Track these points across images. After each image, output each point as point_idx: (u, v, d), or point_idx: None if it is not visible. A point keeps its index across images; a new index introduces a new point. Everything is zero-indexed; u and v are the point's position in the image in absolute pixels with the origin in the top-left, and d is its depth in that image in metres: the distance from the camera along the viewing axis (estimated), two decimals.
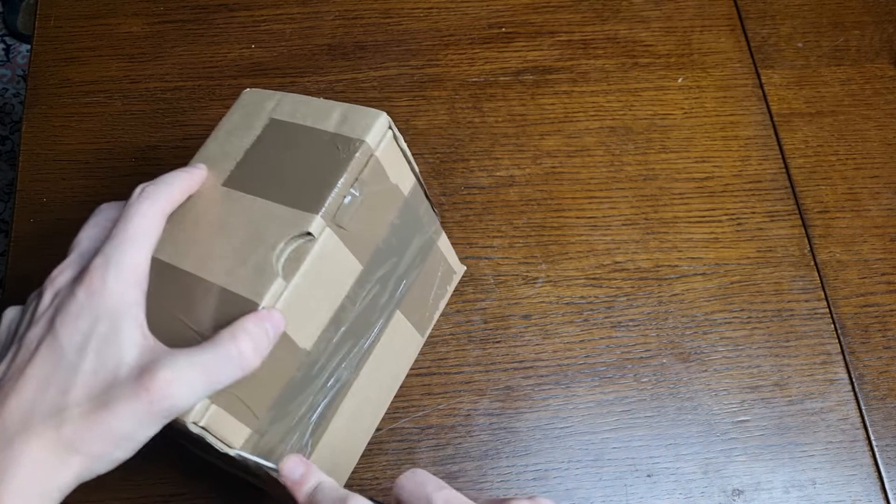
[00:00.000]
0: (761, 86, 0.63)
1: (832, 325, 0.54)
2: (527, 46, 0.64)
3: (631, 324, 0.54)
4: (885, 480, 0.50)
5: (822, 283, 0.56)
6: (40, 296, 0.35)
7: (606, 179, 0.59)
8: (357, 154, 0.37)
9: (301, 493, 0.34)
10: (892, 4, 0.67)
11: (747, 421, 0.51)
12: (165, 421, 0.32)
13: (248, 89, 0.43)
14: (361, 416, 0.46)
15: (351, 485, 0.48)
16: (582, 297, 0.54)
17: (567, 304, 0.54)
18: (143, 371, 0.31)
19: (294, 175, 0.38)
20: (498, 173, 0.58)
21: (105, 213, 0.38)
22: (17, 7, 1.46)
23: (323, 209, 0.36)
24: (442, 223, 0.56)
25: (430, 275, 0.48)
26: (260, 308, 0.34)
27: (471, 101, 0.61)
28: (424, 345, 0.52)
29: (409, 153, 0.41)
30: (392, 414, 0.50)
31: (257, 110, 0.41)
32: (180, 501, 0.47)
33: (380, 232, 0.41)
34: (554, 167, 0.59)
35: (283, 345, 0.36)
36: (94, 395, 0.31)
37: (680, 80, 0.63)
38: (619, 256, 0.56)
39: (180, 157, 0.58)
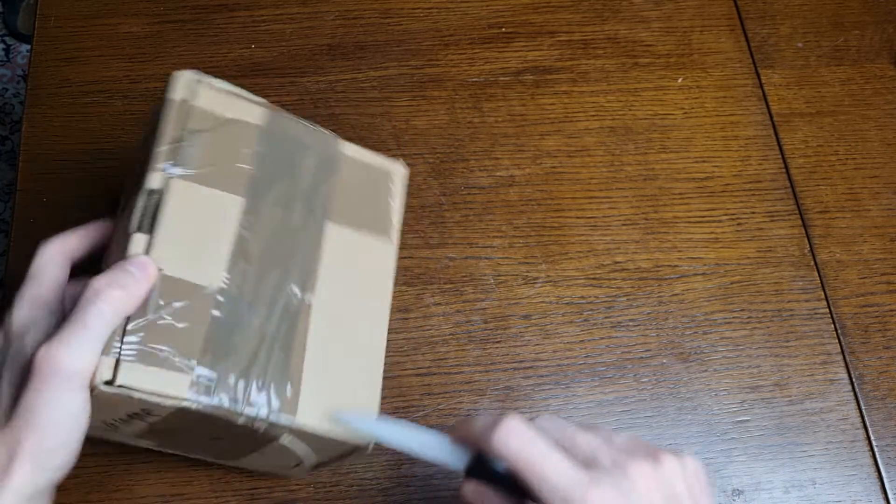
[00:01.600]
0: (761, 86, 0.63)
1: (832, 325, 0.54)
2: (527, 46, 0.64)
3: (631, 324, 0.54)
4: (885, 480, 0.50)
5: (822, 283, 0.56)
6: None
7: (606, 179, 0.59)
8: (170, 111, 0.41)
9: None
10: (892, 4, 0.67)
11: (747, 421, 0.51)
12: (77, 388, 0.34)
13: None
14: (353, 333, 0.43)
15: (351, 484, 0.48)
16: (582, 297, 0.54)
17: (567, 304, 0.54)
18: (31, 362, 0.34)
19: (146, 150, 0.41)
20: (498, 173, 0.58)
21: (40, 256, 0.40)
22: (17, 7, 1.46)
23: (157, 165, 0.39)
24: (442, 223, 0.56)
25: (354, 182, 0.46)
26: None
27: (471, 101, 0.61)
28: (424, 344, 0.52)
29: (239, 90, 0.44)
30: (392, 414, 0.50)
31: None
32: (180, 501, 0.47)
33: (244, 162, 0.42)
34: (554, 167, 0.59)
35: (185, 289, 0.37)
36: (8, 405, 0.34)
37: (680, 80, 0.63)
38: (619, 256, 0.56)
39: None
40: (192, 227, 0.38)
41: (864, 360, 0.54)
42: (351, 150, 0.46)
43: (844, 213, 0.58)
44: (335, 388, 0.40)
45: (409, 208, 0.56)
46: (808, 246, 0.57)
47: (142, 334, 0.35)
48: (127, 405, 0.36)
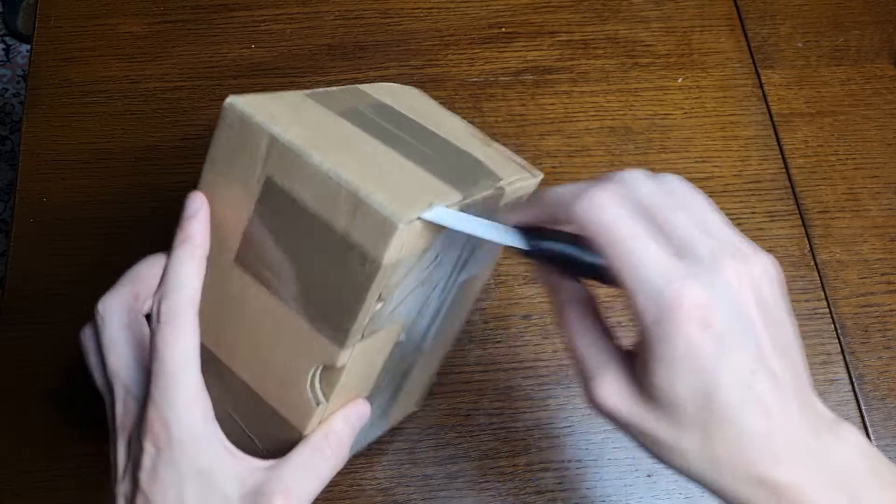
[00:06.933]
0: (761, 86, 0.63)
1: (832, 325, 0.54)
2: (527, 46, 0.64)
3: (632, 324, 0.54)
4: None
5: (822, 283, 0.56)
6: (114, 436, 0.34)
7: None
8: (378, 276, 0.31)
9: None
10: (892, 4, 0.67)
11: None
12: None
13: (229, 101, 0.34)
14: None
15: (351, 484, 0.48)
16: None
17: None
18: (259, 498, 0.32)
19: (311, 280, 0.33)
20: None
21: (111, 322, 0.35)
22: (17, 7, 1.46)
23: (349, 340, 0.33)
24: None
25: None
26: (305, 433, 0.35)
27: (471, 100, 0.61)
28: None
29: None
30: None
31: (249, 153, 0.33)
32: None
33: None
34: (554, 167, 0.59)
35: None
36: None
37: (680, 80, 0.63)
38: None
39: (180, 158, 0.58)
40: (359, 368, 0.36)
41: (864, 360, 0.54)
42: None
43: (844, 213, 0.58)
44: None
45: None
46: (808, 246, 0.57)
47: None
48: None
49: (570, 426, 0.50)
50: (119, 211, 0.55)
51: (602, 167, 0.59)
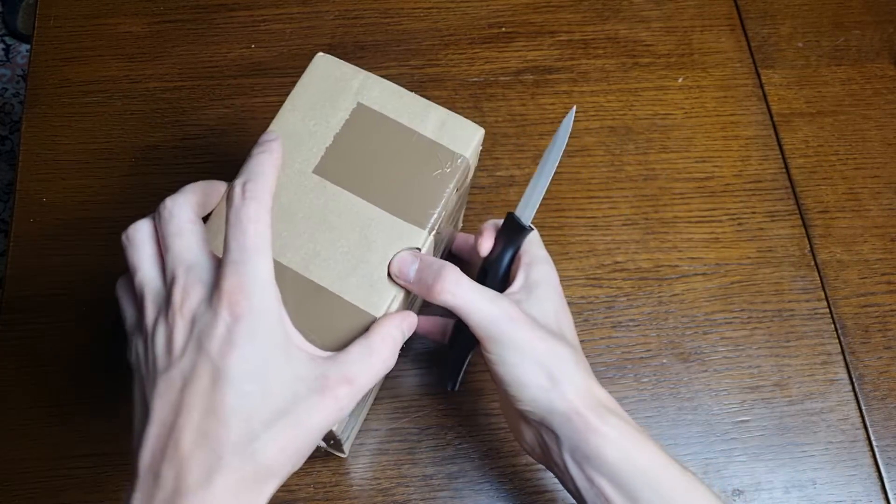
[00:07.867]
0: (761, 86, 0.63)
1: (832, 325, 0.54)
2: (527, 46, 0.64)
3: (631, 324, 0.54)
4: (886, 480, 0.50)
5: (822, 283, 0.56)
6: (167, 321, 0.33)
7: (606, 179, 0.59)
8: (461, 170, 0.40)
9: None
10: (892, 4, 0.67)
11: (747, 421, 0.51)
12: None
13: (320, 54, 0.42)
14: None
15: (351, 484, 0.48)
16: (582, 297, 0.54)
17: (567, 304, 0.54)
18: (324, 382, 0.33)
19: (396, 179, 0.39)
20: (498, 173, 0.58)
21: (180, 214, 0.35)
22: (17, 7, 1.46)
23: (431, 225, 0.39)
24: None
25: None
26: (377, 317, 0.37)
27: (471, 100, 0.61)
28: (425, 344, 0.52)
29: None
30: (392, 414, 0.50)
31: (340, 87, 0.41)
32: None
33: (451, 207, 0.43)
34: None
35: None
36: (278, 417, 0.32)
37: (680, 80, 0.63)
38: (620, 256, 0.56)
39: (180, 157, 0.58)
40: None
41: (865, 360, 0.54)
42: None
43: (845, 212, 0.58)
44: None
45: None
46: (808, 246, 0.57)
47: None
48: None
49: None
50: (119, 211, 0.55)
51: (602, 167, 0.59)
